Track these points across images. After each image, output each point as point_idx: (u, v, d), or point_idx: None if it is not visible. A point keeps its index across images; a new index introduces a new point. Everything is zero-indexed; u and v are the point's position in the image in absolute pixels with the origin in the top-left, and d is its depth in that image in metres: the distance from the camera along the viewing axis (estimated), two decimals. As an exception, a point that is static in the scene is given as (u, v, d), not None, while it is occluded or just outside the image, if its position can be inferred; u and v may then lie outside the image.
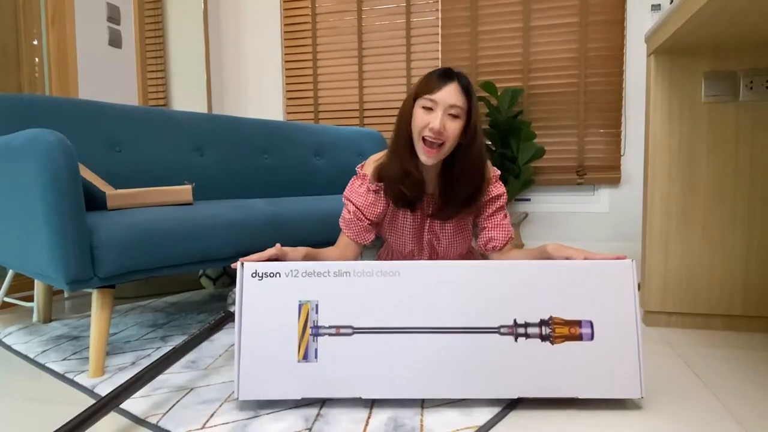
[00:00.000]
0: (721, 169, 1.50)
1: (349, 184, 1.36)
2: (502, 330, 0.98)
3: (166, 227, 1.31)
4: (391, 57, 3.00)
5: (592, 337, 0.97)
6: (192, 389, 1.12)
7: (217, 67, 3.16)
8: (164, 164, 1.88)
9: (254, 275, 0.99)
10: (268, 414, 0.98)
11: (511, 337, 0.98)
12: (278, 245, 1.09)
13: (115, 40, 2.50)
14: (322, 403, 1.02)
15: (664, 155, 1.54)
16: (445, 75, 1.20)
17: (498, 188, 1.34)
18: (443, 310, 0.98)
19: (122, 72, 2.54)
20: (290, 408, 1.00)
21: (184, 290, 2.19)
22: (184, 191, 1.49)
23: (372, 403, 1.02)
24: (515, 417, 0.97)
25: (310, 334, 0.98)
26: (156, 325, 1.64)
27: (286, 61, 3.14)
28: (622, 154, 2.75)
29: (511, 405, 1.01)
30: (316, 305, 0.99)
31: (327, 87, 3.10)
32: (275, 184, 2.25)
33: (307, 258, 1.15)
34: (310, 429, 0.92)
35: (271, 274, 0.99)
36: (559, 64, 2.78)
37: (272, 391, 0.98)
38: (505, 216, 1.34)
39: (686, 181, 1.52)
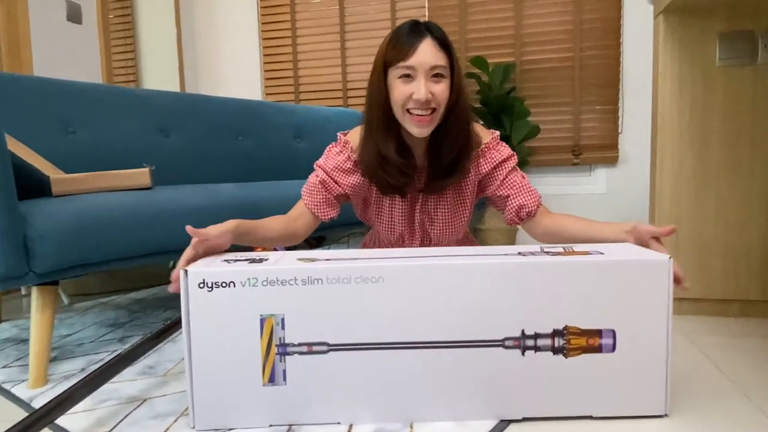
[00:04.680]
0: (736, 141, 1.36)
1: (325, 152, 1.17)
2: (507, 343, 0.82)
3: (117, 214, 1.15)
4: (375, 32, 2.82)
5: (613, 349, 0.82)
6: (145, 400, 0.97)
7: (189, 44, 2.95)
8: (124, 147, 1.71)
9: (202, 285, 0.81)
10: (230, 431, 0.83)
11: (518, 351, 0.83)
12: (193, 230, 0.85)
13: (74, 16, 2.30)
14: (295, 414, 0.88)
15: (673, 127, 1.40)
16: (414, 32, 1.03)
17: (503, 151, 1.15)
18: (435, 320, 0.82)
19: (83, 50, 2.35)
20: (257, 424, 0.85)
21: (152, 285, 2.02)
22: (140, 174, 1.32)
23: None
24: (516, 428, 0.83)
25: (276, 354, 0.82)
26: (116, 325, 1.48)
27: (264, 38, 2.95)
28: (619, 132, 2.61)
29: (514, 412, 0.87)
30: (282, 319, 0.82)
31: (308, 66, 2.91)
32: (251, 170, 2.08)
33: (237, 238, 0.93)
34: (277, 449, 0.78)
35: (224, 284, 0.81)
36: (553, 38, 2.62)
37: (234, 421, 0.84)
38: (524, 177, 1.14)
39: (698, 155, 1.39)
